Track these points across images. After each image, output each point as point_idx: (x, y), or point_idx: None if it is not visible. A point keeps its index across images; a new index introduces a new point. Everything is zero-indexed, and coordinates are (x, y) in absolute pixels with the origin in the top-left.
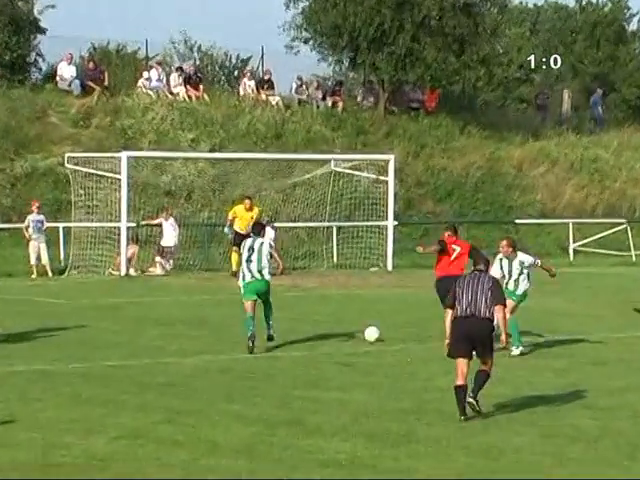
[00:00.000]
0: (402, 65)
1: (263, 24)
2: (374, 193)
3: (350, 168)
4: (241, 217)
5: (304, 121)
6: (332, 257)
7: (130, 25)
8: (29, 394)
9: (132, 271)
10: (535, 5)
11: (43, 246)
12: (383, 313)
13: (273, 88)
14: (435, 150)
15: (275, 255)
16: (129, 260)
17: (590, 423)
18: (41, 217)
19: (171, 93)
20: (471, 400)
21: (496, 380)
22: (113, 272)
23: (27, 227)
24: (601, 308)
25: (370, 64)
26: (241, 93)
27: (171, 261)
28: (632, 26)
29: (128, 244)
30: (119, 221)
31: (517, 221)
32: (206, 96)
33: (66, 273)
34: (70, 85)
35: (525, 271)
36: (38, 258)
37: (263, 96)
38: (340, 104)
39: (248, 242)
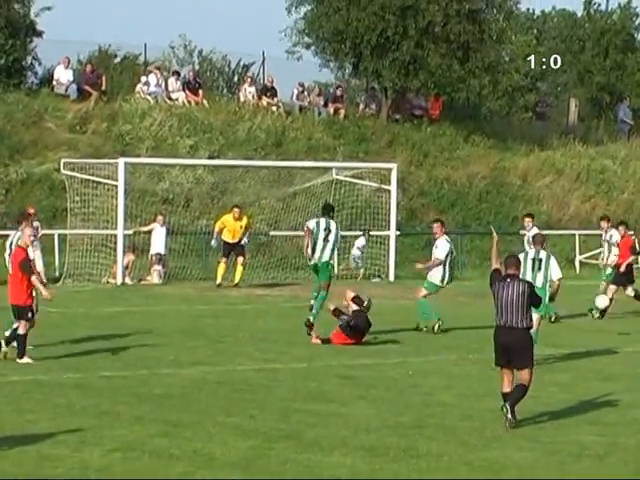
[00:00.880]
0: (405, 72)
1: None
2: (376, 202)
3: (352, 177)
4: (230, 227)
5: (305, 128)
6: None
7: (129, 29)
8: (23, 405)
9: (128, 280)
10: (542, 12)
11: (38, 254)
12: (384, 325)
13: (276, 95)
14: (438, 159)
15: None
16: (125, 268)
17: (596, 439)
18: (36, 224)
19: (170, 98)
20: (507, 406)
21: (499, 394)
22: (110, 281)
23: None
24: (607, 322)
25: (373, 71)
26: (241, 99)
27: (163, 269)
28: None
29: (125, 252)
30: (116, 229)
31: (522, 232)
32: (205, 102)
33: (61, 281)
34: (67, 89)
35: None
36: None
37: (264, 102)
38: (342, 111)
39: (323, 222)
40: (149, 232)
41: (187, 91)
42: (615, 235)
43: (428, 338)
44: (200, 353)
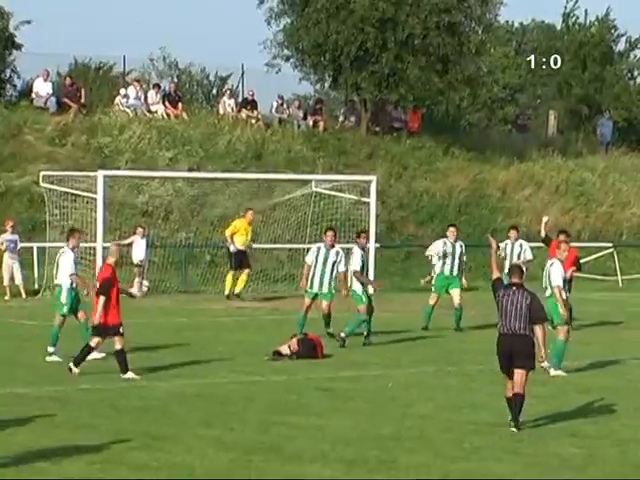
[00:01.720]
0: (385, 84)
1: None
2: (355, 215)
3: (331, 189)
4: (242, 232)
5: (284, 141)
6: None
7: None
8: (1, 417)
9: None
10: (521, 24)
11: (17, 266)
12: (362, 337)
13: (256, 108)
14: (418, 172)
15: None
16: None
17: (575, 451)
18: (15, 237)
19: (149, 111)
20: (514, 430)
21: (479, 406)
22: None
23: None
24: (586, 334)
25: (352, 83)
26: (220, 112)
27: (145, 282)
28: (619, 47)
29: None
30: (95, 241)
31: (501, 244)
32: (185, 114)
33: (40, 294)
34: (46, 102)
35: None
36: (11, 279)
37: (243, 115)
38: (321, 124)
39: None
40: (129, 245)
41: (166, 104)
42: (525, 245)
43: (408, 350)
44: (179, 366)
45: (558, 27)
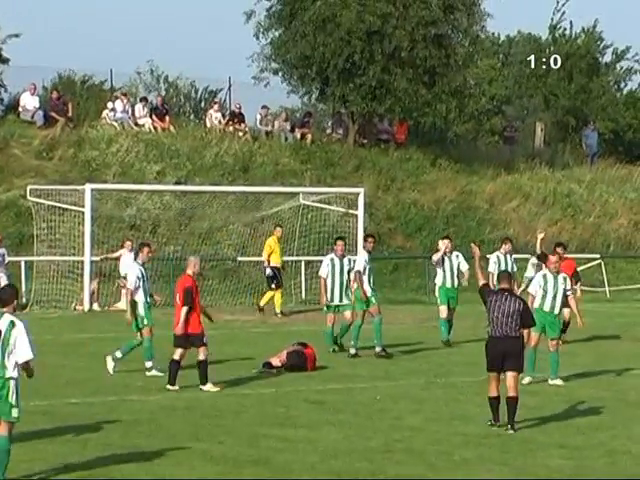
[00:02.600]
0: (372, 97)
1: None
2: (343, 227)
3: (319, 202)
4: (276, 250)
5: (272, 153)
6: (300, 292)
7: (95, 55)
8: None
9: (96, 306)
10: (507, 36)
11: (4, 280)
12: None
13: (244, 121)
14: (405, 184)
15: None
16: (92, 295)
17: (563, 463)
18: (2, 250)
19: (136, 124)
20: (511, 432)
21: (468, 418)
22: (78, 307)
23: None
24: (575, 346)
25: (340, 96)
26: (208, 125)
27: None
28: (605, 58)
29: (92, 279)
30: (82, 255)
31: (489, 256)
32: (172, 128)
33: (28, 308)
34: (33, 116)
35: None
36: None
37: (230, 128)
38: (309, 136)
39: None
40: (117, 259)
41: (154, 117)
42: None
43: (396, 362)
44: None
45: (544, 39)
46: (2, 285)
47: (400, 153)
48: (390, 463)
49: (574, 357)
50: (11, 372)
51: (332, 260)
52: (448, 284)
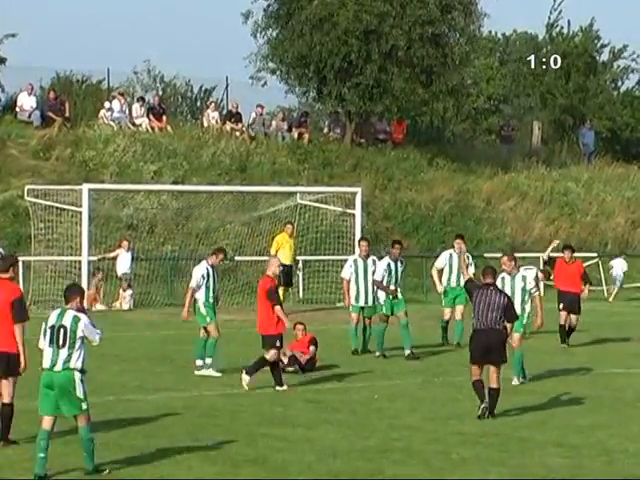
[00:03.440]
0: (369, 96)
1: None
2: (340, 227)
3: (316, 201)
4: (285, 246)
5: (269, 153)
6: (298, 292)
7: (92, 55)
8: None
9: (99, 306)
10: (504, 35)
11: None
12: (349, 349)
13: (241, 121)
14: (403, 183)
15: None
16: (96, 291)
17: (561, 462)
18: (0, 250)
19: (133, 124)
20: (487, 414)
21: (465, 417)
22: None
23: None
24: (571, 344)
25: (337, 95)
26: (205, 124)
27: (130, 291)
28: (602, 57)
29: (89, 278)
30: (80, 255)
31: (486, 255)
32: (169, 127)
33: None
34: (30, 116)
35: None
36: None
37: (227, 127)
38: (306, 136)
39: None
40: (115, 258)
41: (151, 117)
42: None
43: (393, 362)
44: (166, 379)
45: (541, 37)
46: None
47: (397, 152)
48: (388, 462)
49: (571, 356)
50: (75, 363)
51: (355, 262)
52: (453, 283)
